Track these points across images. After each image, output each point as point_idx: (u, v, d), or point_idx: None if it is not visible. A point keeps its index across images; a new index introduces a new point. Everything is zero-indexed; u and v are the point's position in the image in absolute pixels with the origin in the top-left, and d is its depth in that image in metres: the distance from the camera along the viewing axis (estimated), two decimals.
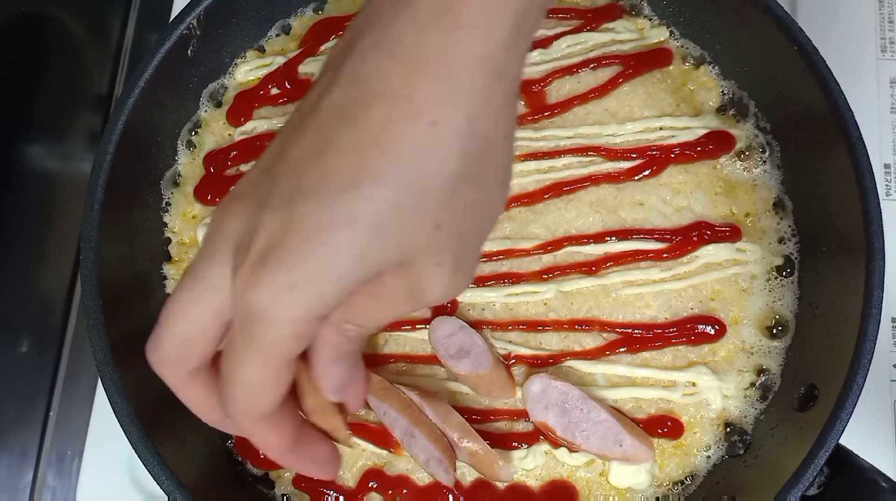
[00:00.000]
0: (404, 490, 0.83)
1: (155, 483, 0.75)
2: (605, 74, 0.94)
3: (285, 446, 0.51)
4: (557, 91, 0.94)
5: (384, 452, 0.84)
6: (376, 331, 0.49)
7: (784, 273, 0.88)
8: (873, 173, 0.77)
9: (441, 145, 0.42)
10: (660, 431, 0.84)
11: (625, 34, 0.96)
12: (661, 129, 0.92)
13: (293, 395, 0.54)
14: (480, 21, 0.44)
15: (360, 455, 0.85)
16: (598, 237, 0.88)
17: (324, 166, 0.43)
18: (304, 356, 0.51)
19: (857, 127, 0.78)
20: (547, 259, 0.88)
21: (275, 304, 0.42)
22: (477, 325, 0.86)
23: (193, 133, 0.97)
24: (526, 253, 0.88)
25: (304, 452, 0.53)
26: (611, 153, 0.91)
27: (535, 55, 0.95)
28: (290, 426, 0.51)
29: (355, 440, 0.84)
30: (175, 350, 0.50)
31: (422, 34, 0.44)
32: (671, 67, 0.96)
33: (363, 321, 0.47)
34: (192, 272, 0.48)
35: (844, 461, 0.72)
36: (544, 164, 0.91)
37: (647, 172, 0.90)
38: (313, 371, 0.50)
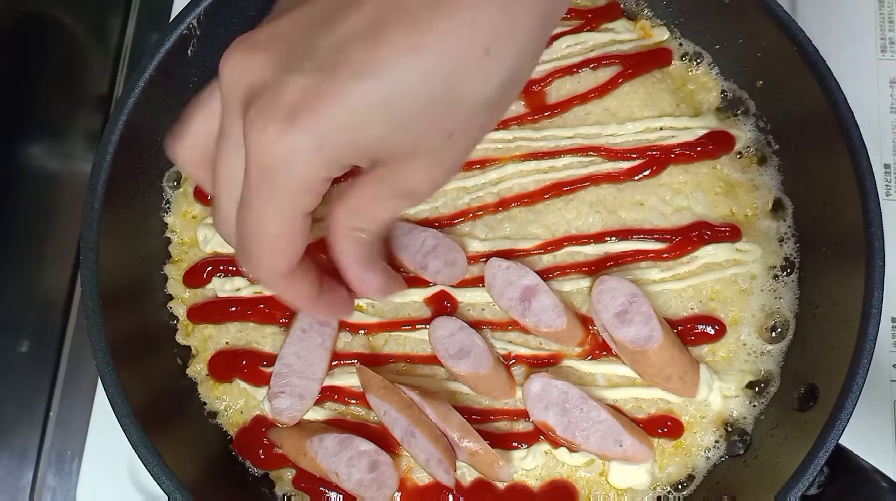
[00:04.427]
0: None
1: (155, 483, 0.75)
2: (605, 74, 0.94)
3: (313, 295, 0.58)
4: (557, 91, 0.94)
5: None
6: (378, 234, 0.56)
7: (784, 273, 0.88)
8: (873, 173, 0.77)
9: (487, 73, 0.47)
10: (660, 431, 0.84)
11: (625, 34, 0.96)
12: (661, 129, 0.92)
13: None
14: None
15: None
16: (598, 237, 0.88)
17: (377, 42, 0.45)
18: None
19: (857, 127, 0.78)
20: (547, 259, 0.88)
21: (298, 156, 0.47)
22: (477, 325, 0.86)
23: None
24: (526, 253, 0.88)
25: (327, 298, 0.60)
26: (611, 153, 0.91)
27: None
28: (314, 275, 0.58)
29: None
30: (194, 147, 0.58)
31: None
32: (671, 67, 0.96)
33: (365, 224, 0.54)
34: (203, 106, 0.57)
35: (844, 461, 0.72)
36: (544, 164, 0.91)
37: (647, 173, 0.90)
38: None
